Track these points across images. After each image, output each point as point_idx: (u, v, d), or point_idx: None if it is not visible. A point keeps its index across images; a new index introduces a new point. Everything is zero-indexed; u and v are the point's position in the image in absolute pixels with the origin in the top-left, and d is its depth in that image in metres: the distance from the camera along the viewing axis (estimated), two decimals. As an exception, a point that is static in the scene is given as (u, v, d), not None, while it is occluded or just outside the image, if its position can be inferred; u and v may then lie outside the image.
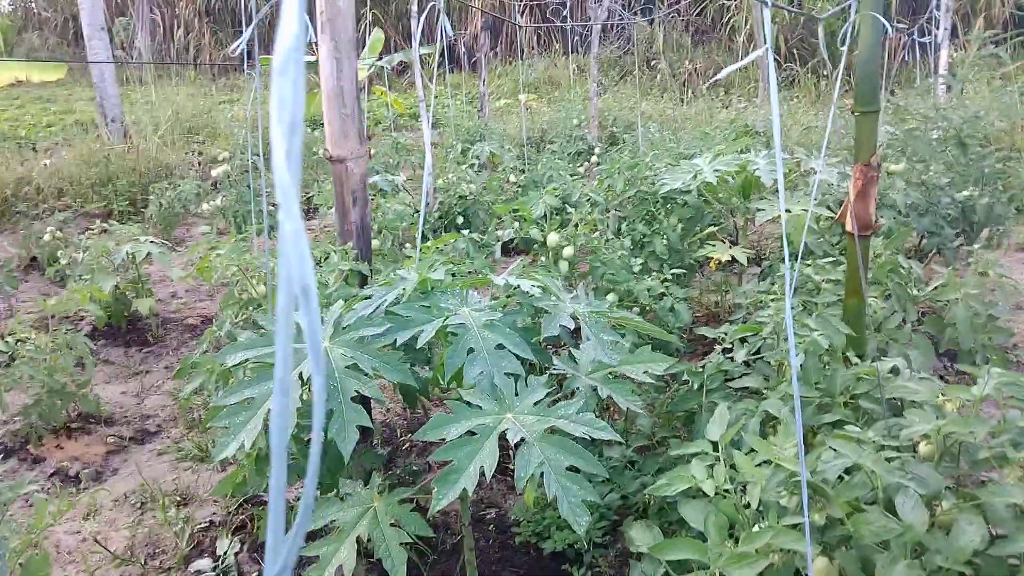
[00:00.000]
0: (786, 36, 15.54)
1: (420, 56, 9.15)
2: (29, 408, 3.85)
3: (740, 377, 2.74)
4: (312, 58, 10.04)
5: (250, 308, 3.37)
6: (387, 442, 3.77)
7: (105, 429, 4.05)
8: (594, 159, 8.44)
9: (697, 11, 17.55)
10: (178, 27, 18.81)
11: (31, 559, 2.02)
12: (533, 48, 18.73)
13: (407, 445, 3.70)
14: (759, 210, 4.10)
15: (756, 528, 1.60)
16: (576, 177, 6.60)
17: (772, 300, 3.04)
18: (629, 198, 4.70)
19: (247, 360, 2.05)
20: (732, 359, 2.88)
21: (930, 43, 9.14)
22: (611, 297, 3.85)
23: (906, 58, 12.83)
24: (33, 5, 28.79)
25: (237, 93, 19.78)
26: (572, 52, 15.85)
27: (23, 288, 6.23)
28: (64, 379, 3.87)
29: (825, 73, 14.25)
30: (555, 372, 2.52)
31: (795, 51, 15.56)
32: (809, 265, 3.43)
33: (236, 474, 2.41)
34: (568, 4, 10.74)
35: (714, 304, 5.04)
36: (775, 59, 14.81)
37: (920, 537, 1.63)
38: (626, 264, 3.95)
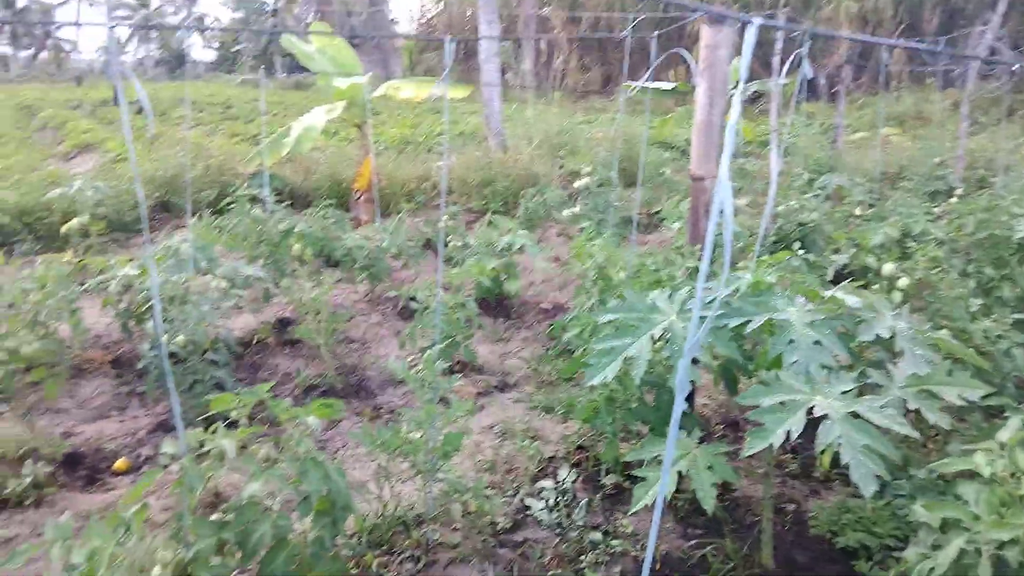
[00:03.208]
0: None
1: (777, 86, 9.40)
2: (428, 347, 4.99)
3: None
4: (668, 85, 10.74)
5: (607, 292, 4.08)
6: (703, 428, 4.26)
7: (477, 376, 5.09)
8: (953, 200, 8.00)
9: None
10: (557, 55, 20.89)
11: (449, 434, 2.90)
12: (902, 80, 17.62)
13: (720, 433, 4.16)
14: None
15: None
16: (930, 218, 6.44)
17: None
18: (980, 240, 4.63)
19: (612, 320, 2.72)
20: (1061, 403, 2.91)
21: None
22: (943, 333, 3.92)
23: None
24: (434, 29, 33.77)
25: (594, 114, 21.45)
26: (948, 86, 14.71)
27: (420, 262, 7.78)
28: (455, 332, 4.96)
29: None
30: (868, 383, 2.82)
31: None
32: None
33: (592, 406, 3.10)
34: (943, 39, 10.16)
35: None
36: None
37: None
38: (964, 303, 3.98)
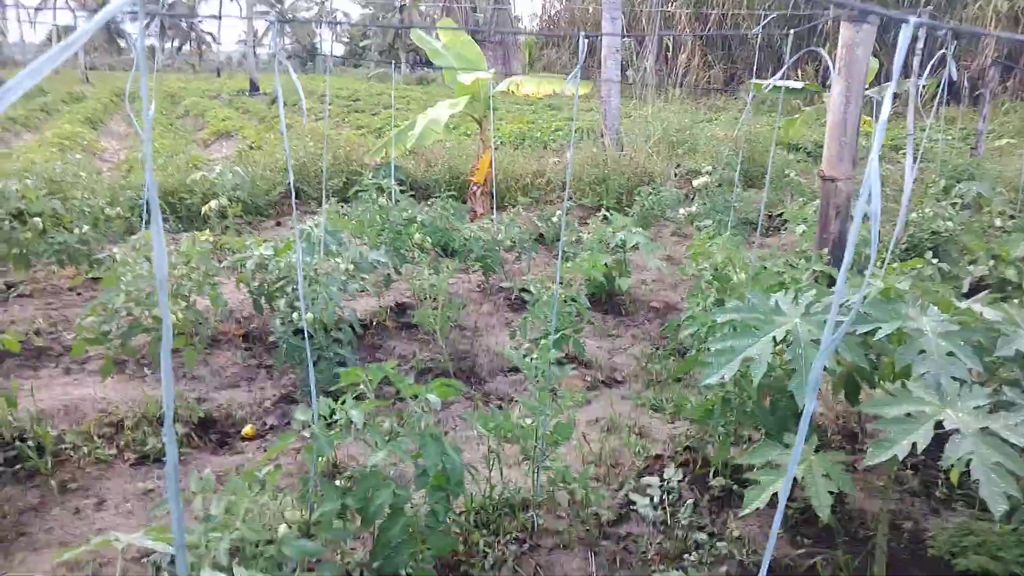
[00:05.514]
0: None
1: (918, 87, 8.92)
2: (538, 338, 5.06)
3: None
4: (797, 84, 10.40)
5: (725, 293, 4.02)
6: (819, 437, 4.13)
7: (584, 370, 5.11)
8: (1109, 215, 7.39)
9: None
10: (680, 51, 20.55)
11: (559, 423, 2.95)
12: (1057, 84, 16.35)
13: (836, 444, 4.03)
14: None
15: None
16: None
17: None
18: None
19: (732, 320, 2.69)
20: None
21: None
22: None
23: None
24: (556, 25, 33.86)
25: (716, 113, 20.99)
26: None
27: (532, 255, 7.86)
28: (566, 325, 5.00)
29: None
30: (1001, 400, 2.67)
31: None
32: None
33: (706, 405, 3.08)
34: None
35: None
36: None
37: None
38: (1117, 324, 3.69)
